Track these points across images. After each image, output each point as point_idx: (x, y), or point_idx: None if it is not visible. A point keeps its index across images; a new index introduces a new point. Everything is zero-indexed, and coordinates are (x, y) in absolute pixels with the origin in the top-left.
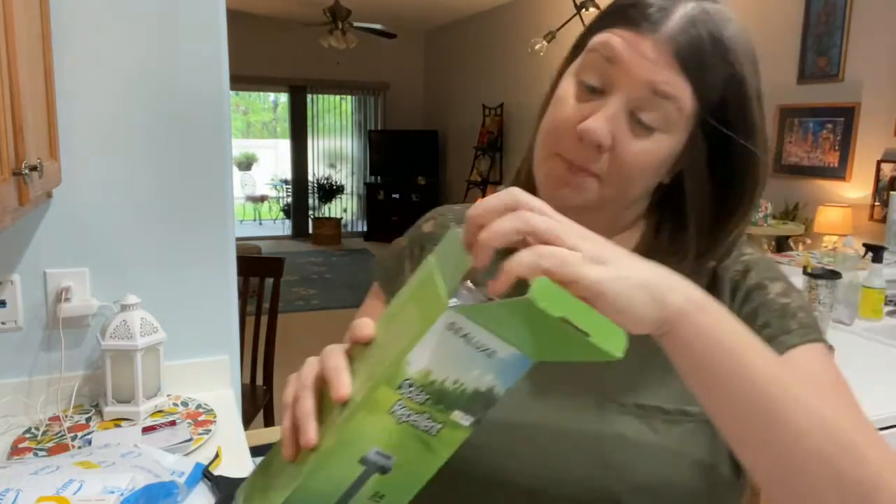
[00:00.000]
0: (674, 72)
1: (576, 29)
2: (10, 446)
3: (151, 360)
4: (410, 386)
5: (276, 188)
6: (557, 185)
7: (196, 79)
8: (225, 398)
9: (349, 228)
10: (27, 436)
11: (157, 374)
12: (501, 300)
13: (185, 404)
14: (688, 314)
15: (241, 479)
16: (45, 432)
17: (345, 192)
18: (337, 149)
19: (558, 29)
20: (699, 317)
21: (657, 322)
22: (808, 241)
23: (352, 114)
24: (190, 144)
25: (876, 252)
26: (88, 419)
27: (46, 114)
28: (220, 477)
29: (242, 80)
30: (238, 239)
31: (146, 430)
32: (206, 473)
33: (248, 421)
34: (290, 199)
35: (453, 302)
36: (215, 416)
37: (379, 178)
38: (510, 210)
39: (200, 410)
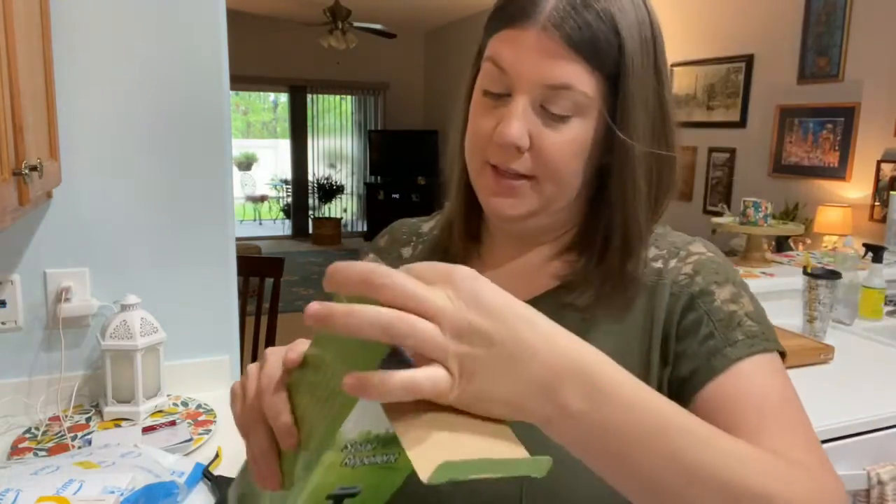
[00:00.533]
0: (563, 58)
1: None
2: (10, 446)
3: (151, 360)
4: (353, 444)
5: (276, 188)
6: (494, 195)
7: (196, 79)
8: (225, 398)
9: (349, 228)
10: (27, 436)
11: (157, 374)
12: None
13: (185, 404)
14: (577, 417)
15: None
16: (45, 432)
17: (345, 192)
18: (337, 149)
19: None
20: (595, 416)
21: (539, 422)
22: (808, 241)
23: (352, 114)
24: (190, 144)
25: (876, 252)
26: (88, 419)
27: (46, 114)
28: (220, 477)
29: (242, 80)
30: (238, 239)
31: (146, 430)
32: (206, 473)
33: None
34: (290, 199)
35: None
36: (215, 416)
37: (379, 178)
38: (366, 284)
39: (200, 410)
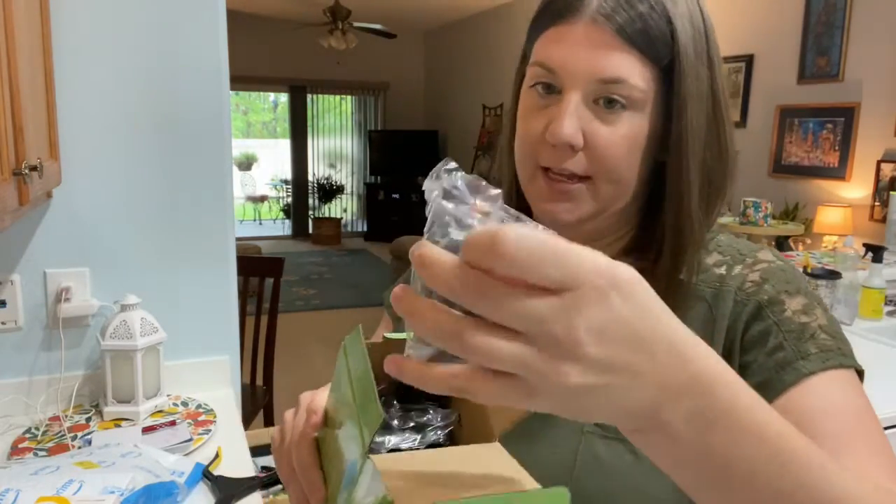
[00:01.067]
0: (615, 50)
1: None
2: (10, 446)
3: (151, 360)
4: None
5: (276, 188)
6: (549, 201)
7: (196, 79)
8: (225, 398)
9: (349, 228)
10: (27, 436)
11: (157, 374)
12: None
13: (185, 404)
14: (676, 437)
15: (241, 480)
16: (45, 432)
17: (345, 192)
18: (337, 149)
19: None
20: (697, 440)
21: (625, 430)
22: (808, 241)
23: (352, 114)
24: (190, 144)
25: (876, 252)
26: (88, 419)
27: (46, 114)
28: (220, 477)
29: (242, 80)
30: (238, 239)
31: (146, 430)
32: (206, 473)
33: (248, 421)
34: (290, 199)
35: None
36: (215, 416)
37: (379, 178)
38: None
39: (200, 410)
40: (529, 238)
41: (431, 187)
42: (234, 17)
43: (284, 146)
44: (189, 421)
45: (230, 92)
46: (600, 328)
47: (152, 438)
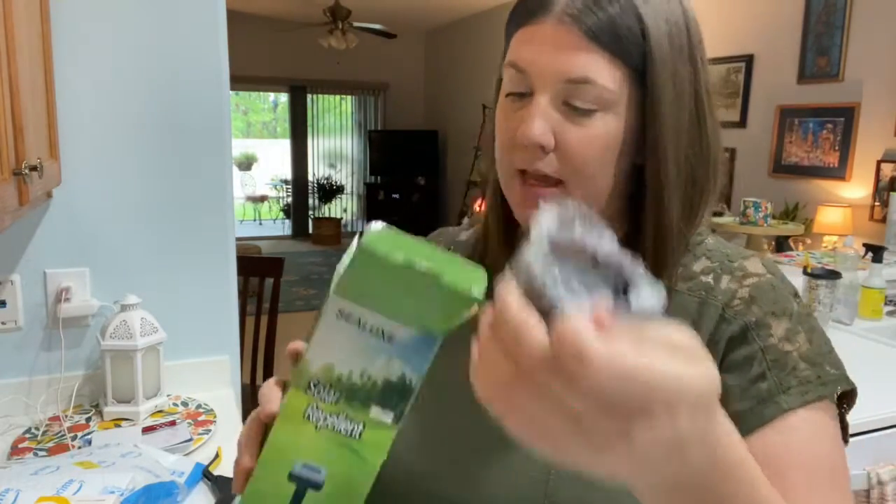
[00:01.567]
0: (582, 51)
1: None
2: (10, 446)
3: (151, 360)
4: (317, 385)
5: (276, 188)
6: (524, 207)
7: (196, 79)
8: (225, 398)
9: (349, 228)
10: (27, 436)
11: (157, 374)
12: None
13: (185, 404)
14: (699, 486)
15: None
16: (45, 432)
17: (345, 192)
18: (337, 149)
19: None
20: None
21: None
22: (808, 242)
23: (352, 114)
24: (190, 144)
25: (876, 252)
26: (88, 419)
27: (46, 114)
28: (220, 477)
29: (242, 80)
30: (238, 239)
31: (146, 430)
32: (206, 473)
33: None
34: (290, 199)
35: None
36: (215, 416)
37: (379, 178)
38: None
39: (200, 410)
40: (616, 366)
41: (544, 220)
42: (234, 17)
43: (284, 146)
44: (189, 421)
45: (230, 92)
46: (657, 443)
47: (152, 438)
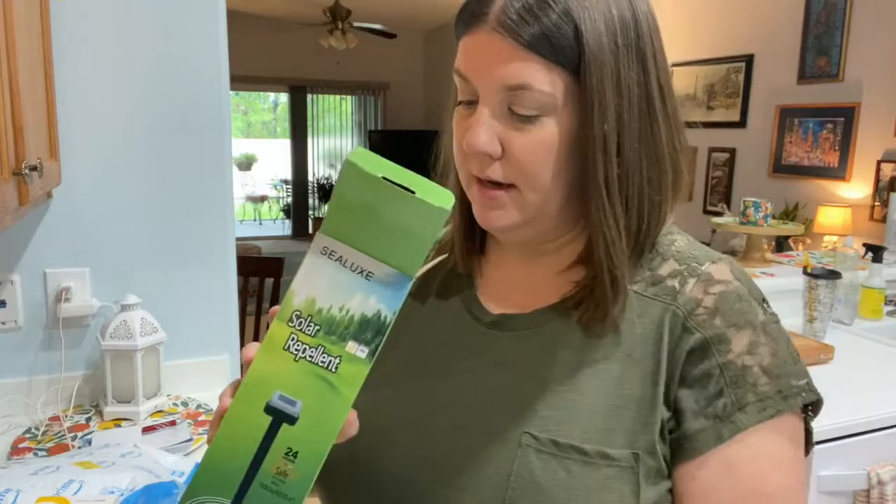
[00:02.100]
0: (516, 59)
1: None
2: (10, 446)
3: (151, 360)
4: (300, 317)
5: (276, 188)
6: (481, 209)
7: (196, 79)
8: None
9: None
10: (27, 436)
11: (157, 374)
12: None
13: (185, 404)
14: None
15: None
16: (45, 432)
17: None
18: (337, 149)
19: None
20: None
21: None
22: (808, 242)
23: (352, 114)
24: (190, 144)
25: (876, 252)
26: (88, 419)
27: (46, 114)
28: None
29: (242, 80)
30: (238, 239)
31: (146, 430)
32: None
33: None
34: (290, 199)
35: None
36: None
37: None
38: None
39: (200, 410)
40: None
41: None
42: (234, 17)
43: (284, 146)
44: (189, 421)
45: (230, 92)
46: None
47: (152, 438)
